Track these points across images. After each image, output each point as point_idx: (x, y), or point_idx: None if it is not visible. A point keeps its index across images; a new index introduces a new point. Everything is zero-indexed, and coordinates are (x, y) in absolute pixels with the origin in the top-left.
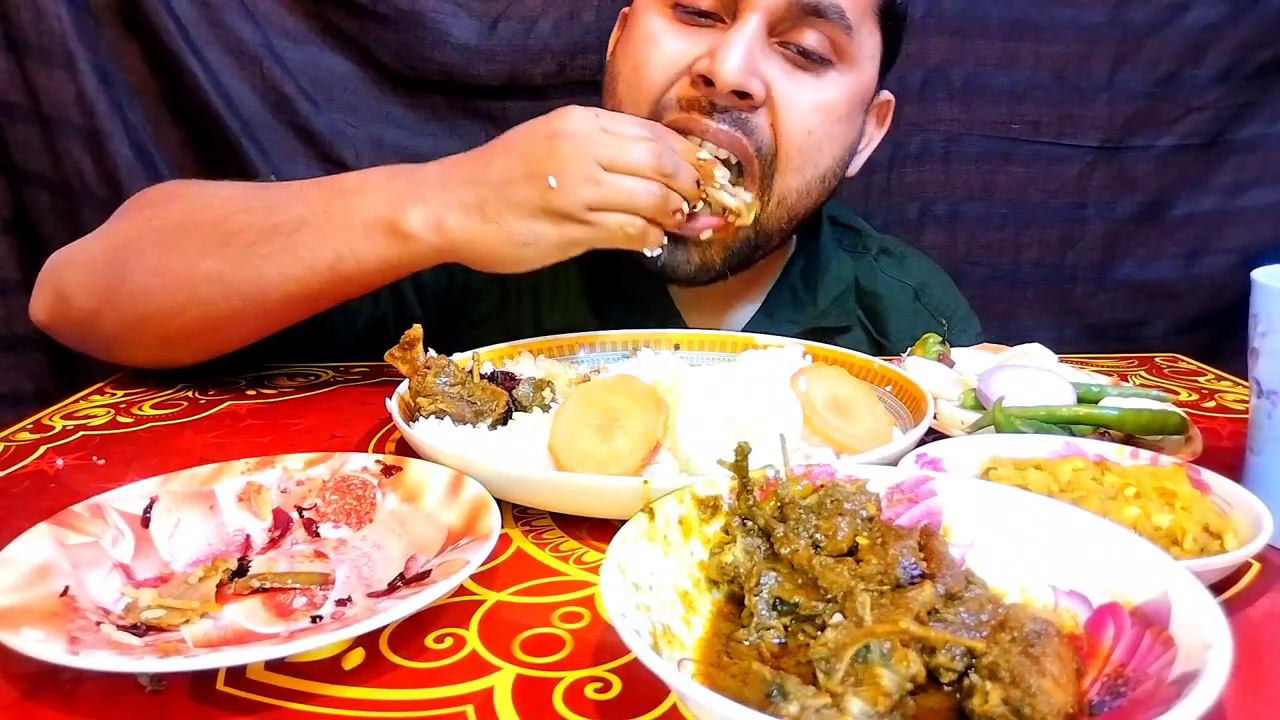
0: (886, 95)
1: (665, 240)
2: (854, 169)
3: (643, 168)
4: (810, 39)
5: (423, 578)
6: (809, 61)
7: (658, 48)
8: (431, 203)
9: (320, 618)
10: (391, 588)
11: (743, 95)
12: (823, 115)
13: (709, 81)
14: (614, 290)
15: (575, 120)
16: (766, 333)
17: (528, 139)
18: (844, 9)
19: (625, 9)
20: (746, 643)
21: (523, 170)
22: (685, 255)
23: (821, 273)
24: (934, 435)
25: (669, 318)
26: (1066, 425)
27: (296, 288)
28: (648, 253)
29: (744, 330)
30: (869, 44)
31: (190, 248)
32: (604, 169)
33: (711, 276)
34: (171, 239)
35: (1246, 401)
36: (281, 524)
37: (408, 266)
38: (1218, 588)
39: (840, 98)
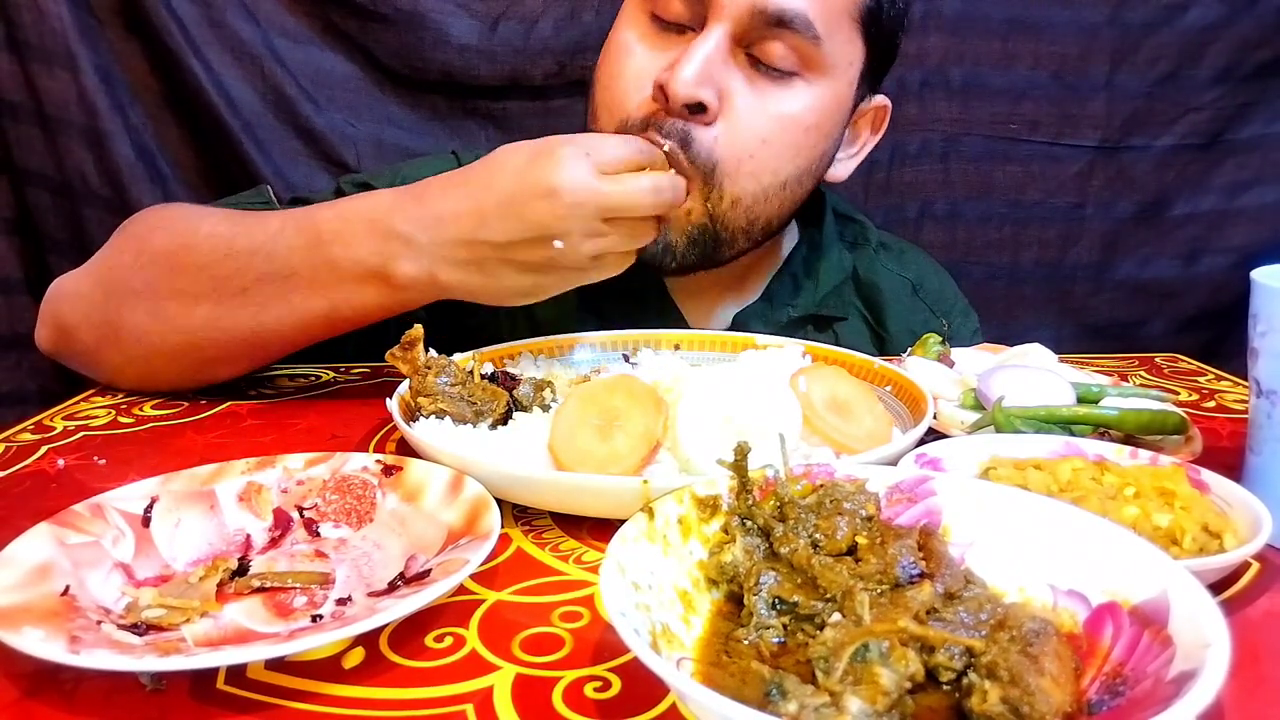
0: (882, 100)
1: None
2: (843, 174)
3: (645, 210)
4: (777, 50)
5: (423, 577)
6: (773, 72)
7: (630, 62)
8: (422, 257)
9: (320, 617)
10: (391, 587)
11: (695, 108)
12: (782, 125)
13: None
14: (607, 285)
15: (568, 171)
16: (765, 318)
17: (523, 195)
18: (811, 19)
19: None
20: (746, 642)
21: (525, 234)
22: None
23: (823, 261)
24: (934, 435)
25: (666, 310)
26: (1066, 425)
27: (293, 333)
28: None
29: (742, 314)
30: (845, 52)
31: (183, 292)
32: (606, 221)
33: (676, 261)
34: (162, 279)
35: (1246, 401)
36: (282, 523)
37: (402, 309)
38: (1217, 587)
39: (806, 108)
